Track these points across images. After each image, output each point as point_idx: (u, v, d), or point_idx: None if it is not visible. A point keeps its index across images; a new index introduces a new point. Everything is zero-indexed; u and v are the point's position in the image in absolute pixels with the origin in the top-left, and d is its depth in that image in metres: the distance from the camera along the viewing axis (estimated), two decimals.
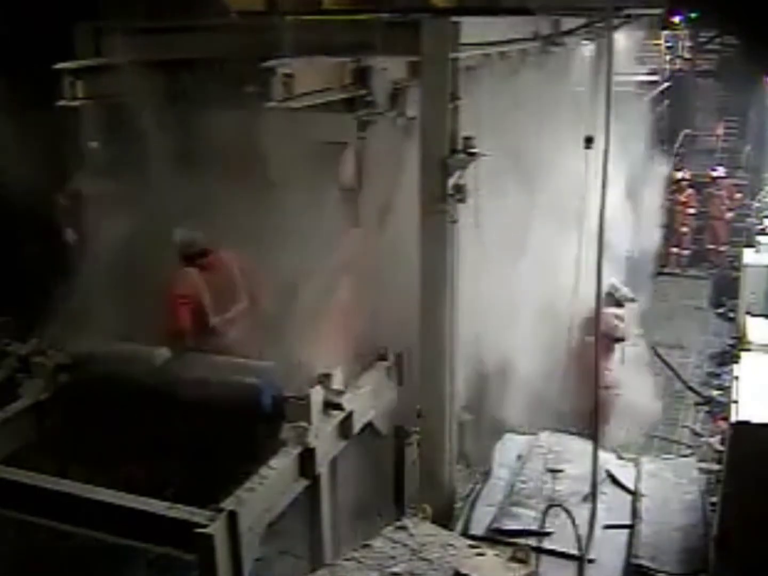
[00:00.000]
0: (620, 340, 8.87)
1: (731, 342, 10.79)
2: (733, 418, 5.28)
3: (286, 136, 5.99)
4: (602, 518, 5.95)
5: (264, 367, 5.66)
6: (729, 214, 15.40)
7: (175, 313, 6.15)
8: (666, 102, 16.58)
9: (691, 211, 15.34)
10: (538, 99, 7.68)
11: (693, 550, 5.82)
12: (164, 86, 6.57)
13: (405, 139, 6.31)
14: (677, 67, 18.47)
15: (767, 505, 5.03)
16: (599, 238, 5.61)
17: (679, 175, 15.30)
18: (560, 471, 6.55)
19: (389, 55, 5.99)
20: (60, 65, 6.43)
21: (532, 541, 5.61)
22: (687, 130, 17.58)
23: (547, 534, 5.73)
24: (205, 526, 4.44)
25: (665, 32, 17.60)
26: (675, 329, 12.16)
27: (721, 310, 12.81)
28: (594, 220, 5.77)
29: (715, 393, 10.12)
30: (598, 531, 5.80)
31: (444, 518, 5.89)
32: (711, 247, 15.39)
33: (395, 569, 4.48)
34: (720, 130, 18.33)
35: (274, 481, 4.91)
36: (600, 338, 8.78)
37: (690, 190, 15.39)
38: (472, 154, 5.79)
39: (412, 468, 6.54)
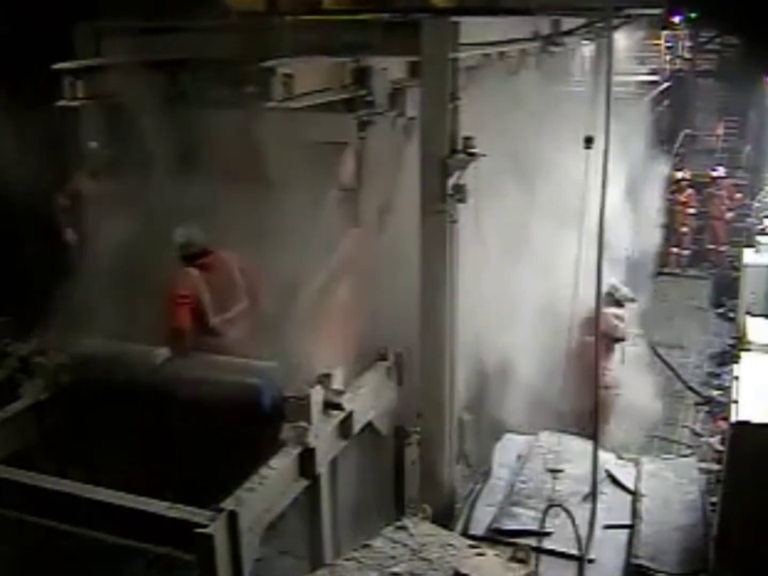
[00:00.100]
0: (620, 340, 8.87)
1: (731, 342, 10.79)
2: (733, 418, 5.28)
3: (286, 136, 5.99)
4: (602, 518, 5.95)
5: (264, 368, 5.66)
6: (729, 214, 15.40)
7: (175, 313, 6.16)
8: (666, 102, 16.59)
9: (691, 211, 15.35)
10: (537, 99, 7.68)
11: (693, 550, 5.82)
12: (164, 86, 6.57)
13: (405, 140, 6.31)
14: (677, 67, 18.49)
15: (767, 505, 5.03)
16: (599, 237, 5.61)
17: (679, 175, 15.31)
18: (560, 471, 6.55)
19: (389, 55, 5.99)
20: (60, 65, 6.42)
21: (532, 542, 5.61)
22: (687, 130, 17.60)
23: (547, 534, 5.74)
24: (205, 526, 4.44)
25: (665, 32, 17.62)
26: (675, 329, 12.17)
27: (721, 310, 12.81)
28: (594, 219, 5.76)
29: (715, 393, 10.12)
30: (598, 531, 5.80)
31: (444, 518, 5.89)
32: (711, 247, 15.40)
33: (395, 569, 4.47)
34: (720, 130, 18.37)
35: (274, 481, 4.90)
36: (600, 338, 8.82)
37: (690, 190, 15.40)
38: (472, 154, 5.80)
39: (412, 468, 6.55)
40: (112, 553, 5.08)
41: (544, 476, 6.51)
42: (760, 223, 11.00)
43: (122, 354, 5.86)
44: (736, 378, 5.83)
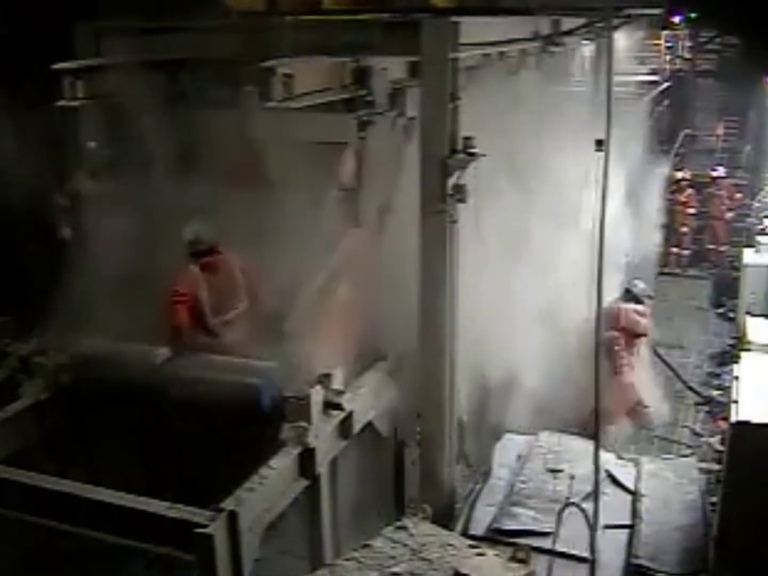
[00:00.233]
0: (642, 335, 8.87)
1: (731, 342, 10.78)
2: (733, 418, 5.28)
3: (286, 136, 5.99)
4: (602, 518, 5.94)
5: (264, 368, 5.66)
6: (729, 214, 15.39)
7: (173, 311, 6.16)
8: (666, 102, 16.58)
9: (691, 211, 15.33)
10: (537, 99, 7.68)
11: (693, 550, 5.82)
12: (164, 86, 6.57)
13: (405, 140, 6.31)
14: (677, 67, 18.48)
15: (767, 505, 5.03)
16: (600, 236, 5.58)
17: (679, 175, 15.30)
18: (560, 471, 6.55)
19: (389, 55, 5.99)
20: (60, 65, 6.42)
21: (538, 542, 5.60)
22: (687, 130, 17.58)
23: (548, 534, 5.73)
24: (205, 526, 4.44)
25: (665, 32, 17.61)
26: (675, 329, 12.15)
27: (721, 310, 12.80)
28: (594, 219, 5.75)
29: (715, 393, 10.11)
30: (598, 531, 5.80)
31: (444, 518, 5.89)
32: (711, 247, 15.39)
33: (395, 569, 4.47)
34: (720, 130, 18.35)
35: (274, 481, 4.91)
36: (622, 334, 8.80)
37: (690, 190, 15.38)
38: (472, 154, 5.79)
39: (412, 468, 6.55)
40: (112, 553, 5.08)
41: (544, 476, 6.51)
42: (760, 223, 10.98)
43: (122, 354, 5.86)
44: (736, 378, 5.83)
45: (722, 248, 15.10)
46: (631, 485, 6.56)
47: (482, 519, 6.08)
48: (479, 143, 5.82)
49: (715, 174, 15.72)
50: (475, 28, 6.04)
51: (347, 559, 4.58)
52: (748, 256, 9.60)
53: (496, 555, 4.66)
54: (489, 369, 7.09)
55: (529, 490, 6.34)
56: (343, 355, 5.93)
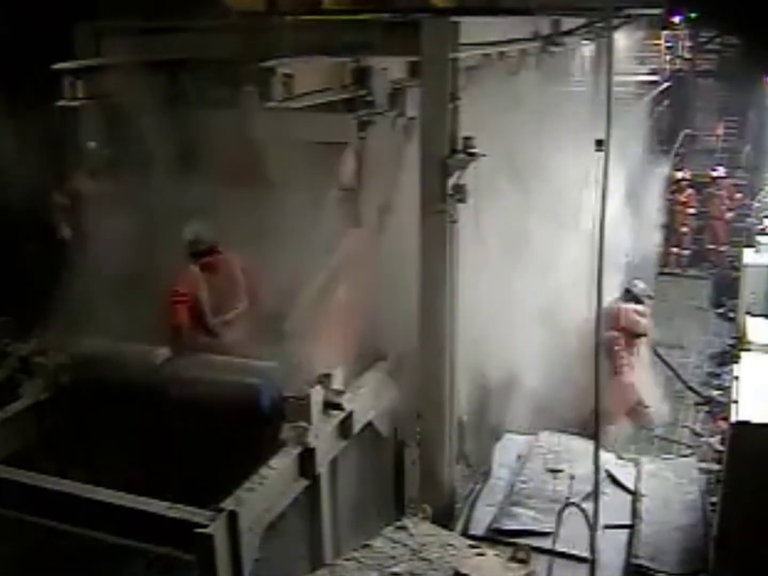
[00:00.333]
0: (642, 335, 8.85)
1: (731, 342, 10.78)
2: (733, 418, 5.28)
3: (286, 136, 5.99)
4: (602, 518, 5.94)
5: (264, 368, 5.66)
6: (729, 214, 15.40)
7: (173, 310, 6.15)
8: (666, 102, 16.59)
9: (691, 211, 15.34)
10: (537, 99, 7.68)
11: (693, 550, 5.82)
12: (164, 86, 6.57)
13: (405, 140, 6.31)
14: (677, 67, 18.49)
15: (767, 505, 5.03)
16: (600, 237, 5.58)
17: (679, 175, 15.30)
18: (560, 471, 6.55)
19: (389, 55, 5.99)
20: (60, 65, 6.42)
21: (542, 542, 5.59)
22: (687, 130, 17.59)
23: (548, 534, 5.73)
24: (205, 526, 4.44)
25: (665, 32, 17.62)
26: (675, 329, 12.15)
27: (721, 310, 12.81)
28: (594, 219, 5.75)
29: (715, 393, 10.12)
30: (598, 531, 5.80)
31: (444, 518, 5.89)
32: (711, 247, 15.39)
33: (395, 569, 4.47)
34: (720, 130, 18.35)
35: (274, 481, 4.90)
36: (622, 334, 8.77)
37: (690, 190, 15.39)
38: (472, 154, 5.79)
39: (412, 468, 6.54)
40: (112, 553, 5.07)
41: (544, 476, 6.51)
42: (760, 223, 10.99)
43: (122, 354, 5.86)
44: (736, 378, 5.83)
45: (722, 248, 15.11)
46: (631, 485, 6.56)
47: (482, 519, 6.08)
48: (479, 143, 5.82)
49: (715, 174, 15.73)
50: (475, 28, 6.04)
51: (347, 559, 4.58)
52: (748, 256, 9.60)
53: (496, 555, 4.65)
54: (489, 369, 7.09)
55: (529, 490, 6.34)
56: (343, 355, 5.93)
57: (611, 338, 8.71)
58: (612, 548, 5.78)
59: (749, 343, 6.41)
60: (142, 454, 5.34)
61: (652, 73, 15.54)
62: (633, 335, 8.80)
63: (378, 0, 7.30)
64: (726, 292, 12.57)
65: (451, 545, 4.67)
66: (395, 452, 6.51)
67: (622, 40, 10.04)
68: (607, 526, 5.92)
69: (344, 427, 5.61)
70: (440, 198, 5.75)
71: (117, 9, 6.61)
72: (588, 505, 5.68)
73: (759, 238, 9.89)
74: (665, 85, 16.44)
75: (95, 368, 5.78)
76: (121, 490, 4.81)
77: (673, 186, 14.97)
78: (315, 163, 6.15)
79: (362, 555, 4.58)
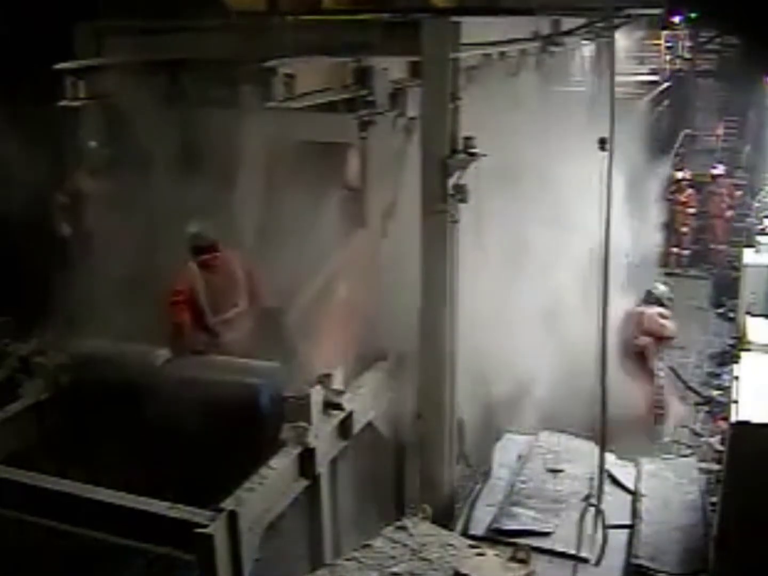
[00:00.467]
0: (668, 339, 8.80)
1: (731, 342, 10.78)
2: (733, 418, 5.27)
3: (287, 136, 5.99)
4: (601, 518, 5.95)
5: (264, 368, 5.66)
6: (729, 213, 15.39)
7: (174, 310, 6.15)
8: (666, 102, 16.59)
9: (692, 210, 15.31)
10: (536, 99, 7.68)
11: (693, 550, 5.82)
12: (164, 86, 6.57)
13: (406, 140, 6.31)
14: (677, 67, 18.48)
15: (767, 505, 5.03)
16: (606, 237, 5.59)
17: (679, 175, 15.29)
18: (560, 471, 6.55)
19: (389, 55, 5.98)
20: (60, 65, 6.42)
21: (542, 542, 5.59)
22: (687, 130, 17.59)
23: (548, 534, 5.74)
24: (205, 526, 4.44)
25: (665, 32, 17.62)
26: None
27: (721, 310, 12.80)
28: (595, 220, 5.75)
29: (715, 393, 10.10)
30: (598, 531, 5.80)
31: (444, 518, 5.89)
32: (711, 247, 15.39)
33: (395, 569, 4.47)
34: (720, 130, 18.34)
35: (274, 481, 4.90)
36: (650, 339, 8.68)
37: (690, 190, 15.36)
38: (473, 154, 5.79)
39: (412, 468, 6.54)
40: (112, 553, 5.07)
41: (544, 476, 6.51)
42: (760, 223, 10.98)
43: (122, 354, 5.86)
44: (736, 378, 5.82)
45: (722, 247, 15.10)
46: (631, 485, 6.57)
47: (482, 519, 6.08)
48: (479, 143, 5.82)
49: (714, 172, 15.72)
50: (475, 28, 6.04)
51: (347, 559, 4.58)
52: (748, 256, 9.59)
53: (496, 555, 4.65)
54: (500, 374, 7.03)
55: (529, 490, 6.34)
56: (344, 355, 5.93)
57: (644, 345, 8.65)
58: (612, 548, 5.77)
59: (749, 343, 6.40)
60: (142, 454, 5.34)
61: (652, 73, 15.55)
62: (659, 339, 8.74)
63: (378, 0, 7.31)
64: (726, 292, 12.56)
65: (451, 545, 4.68)
66: (395, 452, 6.51)
67: (622, 40, 10.03)
68: (608, 526, 5.92)
69: (344, 427, 5.60)
70: (441, 198, 5.75)
71: (117, 9, 6.62)
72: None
73: (759, 238, 9.88)
74: (665, 85, 16.44)
75: (95, 368, 5.78)
76: (121, 490, 4.81)
77: (673, 186, 14.95)
78: (315, 163, 6.15)
79: (362, 555, 4.58)
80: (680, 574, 5.62)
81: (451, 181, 5.74)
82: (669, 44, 18.23)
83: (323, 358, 5.80)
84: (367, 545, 4.66)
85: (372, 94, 5.94)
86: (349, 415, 5.61)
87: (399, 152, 6.31)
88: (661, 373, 8.93)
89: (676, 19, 17.98)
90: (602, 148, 4.92)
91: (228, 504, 4.57)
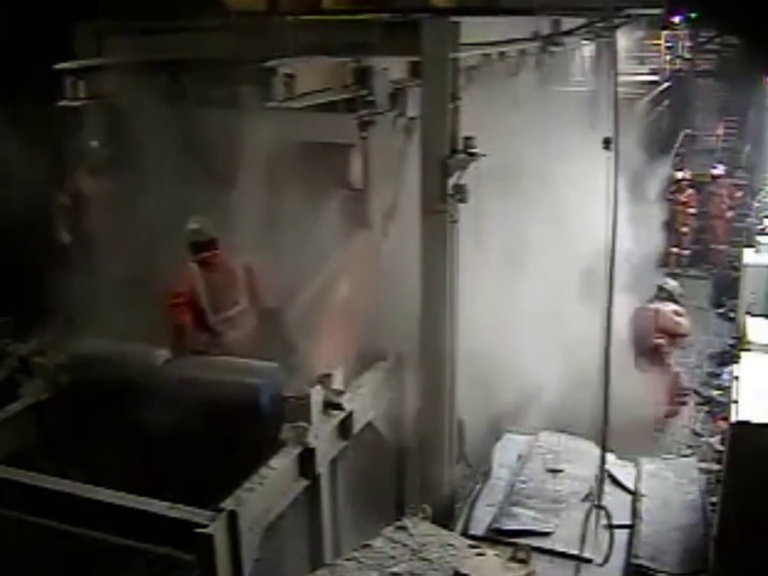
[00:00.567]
0: (683, 335, 8.80)
1: (731, 342, 10.78)
2: (733, 418, 5.28)
3: (287, 136, 5.99)
4: (602, 518, 5.94)
5: (264, 368, 5.66)
6: (729, 213, 15.39)
7: (174, 310, 6.14)
8: (666, 102, 16.59)
9: (692, 211, 15.31)
10: (537, 99, 7.68)
11: (693, 550, 5.82)
12: (164, 86, 6.57)
13: (406, 140, 6.31)
14: (677, 67, 18.49)
15: (767, 505, 5.03)
16: (612, 236, 5.58)
17: (679, 175, 15.28)
18: (560, 471, 6.55)
19: (389, 55, 5.99)
20: (60, 65, 6.42)
21: (542, 542, 5.59)
22: (687, 130, 17.59)
23: (548, 534, 5.74)
24: (205, 526, 4.45)
25: (665, 32, 17.62)
26: None
27: (721, 310, 12.80)
28: (595, 220, 5.76)
29: (715, 393, 10.11)
30: (598, 531, 5.80)
31: (444, 518, 5.89)
32: (711, 247, 15.39)
33: (395, 569, 4.47)
34: (720, 130, 18.35)
35: (274, 481, 4.91)
36: (664, 336, 8.70)
37: (690, 190, 15.36)
38: (473, 154, 5.79)
39: (412, 468, 6.54)
40: (112, 553, 5.07)
41: (544, 476, 6.51)
42: (760, 223, 10.98)
43: (122, 354, 5.86)
44: (736, 378, 5.82)
45: (722, 247, 15.10)
46: (631, 485, 6.56)
47: (482, 519, 6.08)
48: (479, 143, 5.82)
49: (714, 171, 15.71)
50: (475, 28, 6.04)
51: (347, 559, 4.58)
52: (748, 256, 9.58)
53: (496, 555, 4.65)
54: (501, 373, 7.03)
55: (529, 490, 6.33)
56: (344, 355, 5.92)
57: (658, 344, 8.66)
58: (612, 548, 5.77)
59: (749, 343, 6.40)
60: (142, 454, 5.33)
61: (652, 73, 15.54)
62: (673, 336, 8.73)
63: (378, 0, 7.30)
64: (726, 292, 12.56)
65: (451, 545, 4.67)
66: (395, 452, 6.50)
67: (622, 40, 10.02)
68: (608, 526, 5.92)
69: (344, 427, 5.60)
70: (440, 198, 5.75)
71: (117, 9, 6.62)
72: (586, 505, 5.70)
73: (759, 238, 9.88)
74: (665, 85, 16.43)
75: (95, 368, 5.78)
76: (121, 490, 4.81)
77: (674, 186, 14.95)
78: (317, 163, 6.15)
79: (362, 555, 4.58)
80: (680, 574, 5.62)
81: (451, 181, 5.74)
82: (669, 44, 18.24)
83: (323, 358, 5.79)
84: (367, 545, 4.66)
85: (372, 94, 5.93)
86: (349, 415, 5.61)
87: (399, 152, 6.31)
88: (677, 368, 8.93)
89: (676, 19, 17.99)
90: (606, 148, 4.92)
91: (228, 504, 4.57)
